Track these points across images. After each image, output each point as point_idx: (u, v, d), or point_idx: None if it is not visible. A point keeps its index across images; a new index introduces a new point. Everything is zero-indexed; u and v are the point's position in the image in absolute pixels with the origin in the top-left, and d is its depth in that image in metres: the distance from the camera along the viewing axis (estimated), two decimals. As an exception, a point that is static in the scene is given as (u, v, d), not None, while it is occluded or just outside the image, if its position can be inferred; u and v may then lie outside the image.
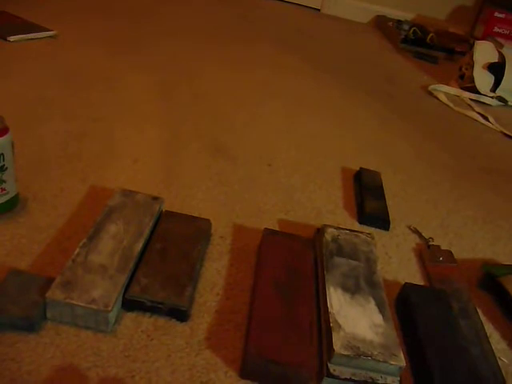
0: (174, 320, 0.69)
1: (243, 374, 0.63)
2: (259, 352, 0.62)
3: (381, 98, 1.71)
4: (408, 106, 1.70)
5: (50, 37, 1.58)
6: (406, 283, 0.80)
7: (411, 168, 1.26)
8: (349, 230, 0.87)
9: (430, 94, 1.84)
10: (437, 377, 0.64)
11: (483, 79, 1.89)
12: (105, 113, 1.21)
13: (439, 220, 1.06)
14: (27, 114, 1.14)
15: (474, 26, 2.75)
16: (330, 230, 0.85)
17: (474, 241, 1.02)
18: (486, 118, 1.70)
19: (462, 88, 1.92)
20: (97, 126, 1.14)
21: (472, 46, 2.02)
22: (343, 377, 0.63)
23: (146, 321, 0.68)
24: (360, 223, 0.99)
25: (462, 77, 1.97)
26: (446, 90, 1.88)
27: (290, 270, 0.77)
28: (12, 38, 1.50)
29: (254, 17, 2.45)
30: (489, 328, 0.80)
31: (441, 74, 2.09)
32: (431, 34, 2.42)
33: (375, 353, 0.63)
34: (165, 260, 0.74)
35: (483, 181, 1.28)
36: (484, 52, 1.94)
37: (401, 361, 0.63)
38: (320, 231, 0.86)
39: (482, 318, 0.81)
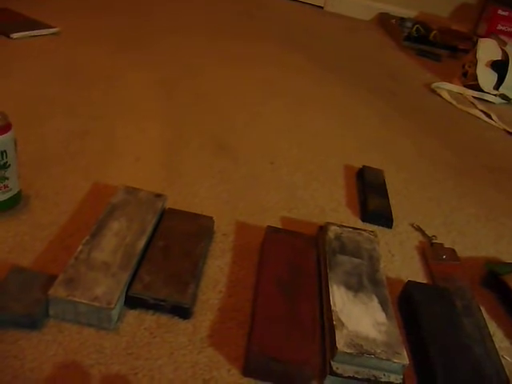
0: (176, 317, 0.69)
1: (246, 372, 0.63)
2: (262, 350, 0.62)
3: (384, 95, 1.70)
4: (411, 103, 1.70)
5: (53, 34, 1.58)
6: (408, 281, 0.80)
7: (414, 166, 1.26)
8: (352, 227, 0.87)
9: (433, 91, 1.83)
10: (440, 375, 0.64)
11: (486, 77, 1.88)
12: (107, 110, 1.21)
13: (442, 218, 1.06)
14: (29, 111, 1.13)
15: (477, 23, 2.73)
16: (332, 227, 0.85)
17: (477, 239, 1.01)
18: (488, 116, 1.70)
19: (465, 86, 1.91)
20: (99, 123, 1.14)
21: (475, 43, 2.01)
22: (346, 375, 0.62)
23: (149, 318, 0.68)
24: (363, 221, 0.99)
25: (465, 74, 1.96)
26: (449, 88, 1.88)
27: (293, 267, 0.77)
28: (15, 35, 1.50)
29: (256, 14, 2.44)
30: (492, 326, 0.79)
31: (444, 72, 2.08)
32: (434, 32, 2.41)
33: (378, 351, 0.63)
34: (167, 257, 0.74)
35: (486, 178, 1.28)
36: (487, 50, 1.93)
37: (404, 359, 0.63)
38: (323, 229, 0.86)
39: (485, 316, 0.81)
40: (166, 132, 1.16)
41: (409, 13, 2.76)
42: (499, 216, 1.11)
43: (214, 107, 1.35)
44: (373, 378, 0.63)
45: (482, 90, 1.87)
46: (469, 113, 1.70)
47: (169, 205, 0.88)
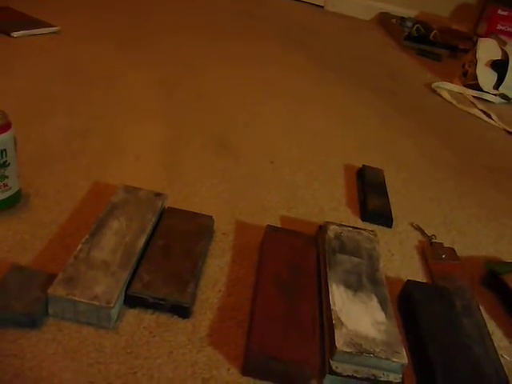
0: (176, 317, 0.69)
1: (245, 371, 0.63)
2: (261, 349, 0.62)
3: (384, 95, 1.70)
4: (411, 103, 1.70)
5: (54, 33, 1.58)
6: (408, 280, 0.80)
7: (414, 165, 1.26)
8: (351, 227, 0.87)
9: (433, 91, 1.83)
10: (439, 374, 0.64)
11: (486, 77, 1.88)
12: (107, 109, 1.21)
13: (442, 217, 1.06)
14: (30, 109, 1.13)
15: (477, 23, 2.74)
16: (332, 227, 0.85)
17: (477, 238, 1.01)
18: (488, 116, 1.70)
19: (465, 85, 1.91)
20: (99, 122, 1.14)
21: (475, 43, 2.01)
22: (345, 374, 0.62)
23: (148, 317, 0.68)
24: (363, 220, 0.99)
25: (465, 74, 1.96)
26: (449, 88, 1.88)
27: (293, 266, 0.77)
28: (15, 34, 1.50)
29: (257, 14, 2.44)
30: (491, 325, 0.79)
31: (444, 72, 2.08)
32: (434, 32, 2.41)
33: (377, 350, 0.63)
34: (167, 256, 0.74)
35: (486, 178, 1.28)
36: (487, 49, 1.93)
37: (403, 358, 0.63)
38: (323, 228, 0.86)
39: (485, 315, 0.81)
40: (167, 131, 1.16)
41: (409, 12, 2.76)
42: (499, 216, 1.11)
43: (214, 107, 1.35)
44: (372, 377, 0.63)
45: (482, 90, 1.87)
46: (469, 112, 1.71)
47: (169, 204, 0.88)
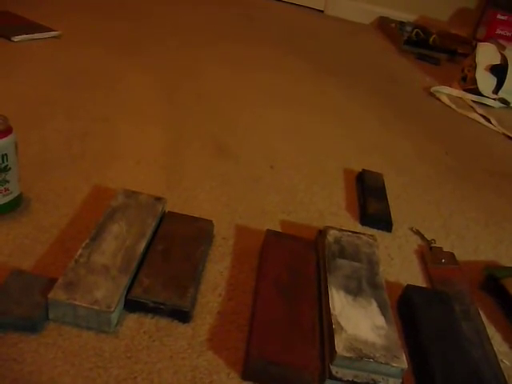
0: (176, 321, 0.69)
1: (245, 376, 0.63)
2: (261, 354, 0.62)
3: (383, 99, 1.71)
4: (410, 107, 1.70)
5: (54, 37, 1.58)
6: (408, 285, 0.80)
7: (413, 169, 1.26)
8: (351, 231, 0.87)
9: (433, 95, 1.84)
10: (438, 379, 0.64)
11: (485, 81, 1.89)
12: (108, 113, 1.21)
13: (441, 222, 1.06)
14: (30, 113, 1.14)
15: (476, 27, 2.74)
16: (332, 231, 0.85)
17: (477, 243, 1.02)
18: (488, 120, 1.70)
19: (464, 90, 1.92)
20: (100, 126, 1.15)
21: (474, 47, 2.02)
22: (345, 379, 0.62)
23: (148, 322, 0.68)
24: (362, 225, 0.99)
25: (464, 78, 1.96)
26: (448, 92, 1.88)
27: (293, 271, 0.77)
28: (16, 38, 1.50)
29: (257, 18, 2.45)
30: (491, 330, 0.79)
31: (443, 76, 2.09)
32: (434, 36, 2.42)
33: (377, 355, 0.63)
34: (167, 261, 0.74)
35: (486, 182, 1.28)
36: (486, 54, 1.93)
37: (403, 363, 0.63)
38: (322, 233, 0.86)
39: (484, 320, 0.81)
40: (167, 134, 1.17)
41: (408, 17, 2.77)
42: (499, 220, 1.12)
43: (214, 110, 1.35)
44: (372, 382, 0.63)
45: (482, 94, 1.87)
46: (468, 117, 1.71)
47: (169, 208, 0.89)
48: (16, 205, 0.82)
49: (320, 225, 0.95)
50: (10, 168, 0.76)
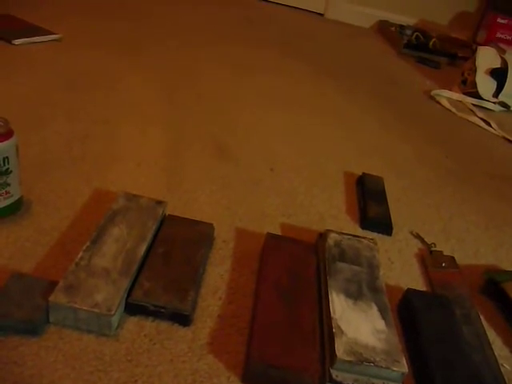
0: (176, 324, 0.69)
1: (246, 379, 0.63)
2: (261, 357, 0.62)
3: (383, 102, 1.71)
4: (410, 110, 1.70)
5: (55, 40, 1.58)
6: (408, 289, 0.80)
7: (414, 173, 1.26)
8: (351, 235, 0.87)
9: (433, 99, 1.84)
10: (439, 383, 0.64)
11: (486, 85, 1.89)
12: (108, 115, 1.21)
13: (442, 225, 1.06)
14: (31, 116, 1.14)
15: (476, 31, 2.75)
16: (332, 234, 0.86)
17: (477, 246, 1.02)
18: (488, 124, 1.70)
19: (464, 93, 1.92)
20: (100, 128, 1.15)
21: (474, 51, 2.02)
22: (345, 383, 0.62)
23: (149, 325, 0.68)
24: (362, 228, 0.99)
25: (464, 82, 1.97)
26: (448, 95, 1.88)
27: (293, 274, 0.77)
28: (17, 42, 1.50)
29: (257, 20, 2.45)
30: (491, 334, 0.79)
31: (443, 79, 2.09)
32: (434, 39, 2.42)
33: (378, 359, 0.63)
34: (168, 264, 0.74)
35: (486, 186, 1.28)
36: (486, 57, 1.94)
37: (403, 367, 0.63)
38: (323, 236, 0.86)
39: (485, 324, 0.81)
40: (167, 136, 1.17)
41: (408, 20, 2.77)
42: (499, 224, 1.12)
43: (214, 112, 1.35)
44: (372, 386, 0.63)
45: (482, 98, 1.88)
46: (468, 120, 1.71)
47: (169, 211, 0.89)
48: (17, 208, 0.82)
49: (320, 228, 0.95)
50: (11, 171, 0.77)
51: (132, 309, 0.68)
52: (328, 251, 0.81)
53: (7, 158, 0.75)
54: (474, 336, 0.76)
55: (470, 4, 2.77)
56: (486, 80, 1.89)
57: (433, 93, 1.86)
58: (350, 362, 0.62)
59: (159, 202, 0.85)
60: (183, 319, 0.69)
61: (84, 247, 0.72)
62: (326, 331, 0.69)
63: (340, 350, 0.63)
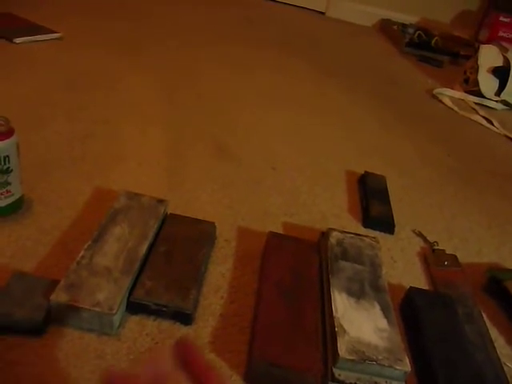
0: (178, 323, 0.69)
1: (248, 378, 0.63)
2: (264, 356, 0.62)
3: (385, 101, 1.71)
4: (412, 109, 1.70)
5: (56, 39, 1.58)
6: (410, 287, 0.80)
7: (416, 171, 1.26)
8: (354, 233, 0.87)
9: (435, 97, 1.83)
10: (442, 381, 0.64)
11: (488, 83, 1.89)
12: (109, 114, 1.21)
13: (444, 224, 1.06)
14: (32, 115, 1.14)
15: (478, 30, 2.74)
16: (334, 233, 0.85)
17: (479, 245, 1.01)
18: (490, 122, 1.70)
19: (466, 92, 1.91)
20: (101, 127, 1.15)
21: (477, 49, 2.02)
22: (348, 381, 0.62)
23: (151, 324, 0.68)
24: (365, 227, 0.99)
25: (466, 81, 1.96)
26: (450, 94, 1.88)
27: (295, 273, 0.77)
28: (18, 40, 1.50)
29: (258, 19, 2.45)
30: (494, 333, 0.79)
31: (445, 78, 2.09)
32: (436, 38, 2.42)
33: (380, 357, 0.63)
34: (169, 263, 0.74)
35: (488, 185, 1.28)
36: (489, 56, 1.93)
37: (406, 365, 0.63)
38: (325, 235, 0.86)
39: (487, 322, 0.81)
40: (168, 136, 1.17)
41: (410, 19, 2.77)
42: (502, 222, 1.11)
43: (215, 111, 1.35)
44: (375, 385, 0.63)
45: (484, 96, 1.87)
46: (471, 119, 1.71)
47: (170, 209, 0.88)
48: (18, 207, 0.82)
49: (322, 227, 0.94)
50: (11, 170, 0.76)
51: (134, 308, 0.68)
52: (330, 250, 0.81)
53: (8, 156, 0.75)
54: (476, 334, 0.76)
55: (473, 2, 2.76)
56: (488, 78, 1.89)
57: (435, 91, 1.86)
58: (352, 360, 0.62)
59: (161, 201, 0.85)
60: (185, 318, 0.68)
61: (85, 246, 0.72)
62: (328, 330, 0.69)
63: (342, 349, 0.63)
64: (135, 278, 0.70)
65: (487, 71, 1.89)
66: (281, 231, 0.92)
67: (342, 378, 0.62)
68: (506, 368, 0.72)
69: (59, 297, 0.63)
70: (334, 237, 0.84)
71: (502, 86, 1.88)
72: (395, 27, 2.62)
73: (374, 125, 1.50)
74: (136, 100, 1.32)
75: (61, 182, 0.93)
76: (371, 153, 1.31)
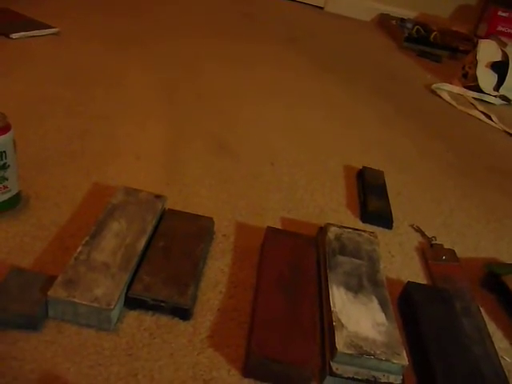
0: (176, 318, 0.69)
1: (246, 373, 0.63)
2: (262, 350, 0.62)
3: (384, 96, 1.70)
4: (411, 104, 1.70)
5: (53, 34, 1.58)
6: (408, 282, 0.80)
7: (414, 166, 1.26)
8: (352, 228, 0.87)
9: (434, 92, 1.83)
10: (439, 375, 0.64)
11: (486, 78, 1.89)
12: (107, 110, 1.21)
13: (442, 219, 1.06)
14: (30, 111, 1.13)
15: (477, 24, 2.74)
16: (333, 228, 0.85)
17: (477, 240, 1.01)
18: (489, 117, 1.70)
19: (465, 87, 1.91)
20: (99, 123, 1.14)
21: (475, 44, 2.02)
22: (346, 375, 0.62)
23: (149, 319, 0.68)
24: (363, 222, 0.99)
25: (465, 75, 1.96)
26: (449, 89, 1.88)
27: (293, 268, 0.77)
28: (15, 36, 1.50)
29: (257, 14, 2.44)
30: (491, 327, 0.79)
31: (444, 73, 2.08)
32: (435, 33, 2.42)
33: (378, 351, 0.63)
34: (167, 258, 0.74)
35: (487, 179, 1.28)
36: (487, 51, 1.93)
37: (403, 359, 0.63)
38: (323, 230, 0.86)
39: (485, 316, 0.81)
40: (167, 132, 1.16)
41: (409, 14, 2.76)
42: (500, 217, 1.11)
43: (214, 107, 1.35)
44: (372, 379, 0.63)
45: (483, 91, 1.87)
46: (469, 114, 1.71)
47: (169, 205, 0.88)
48: (15, 202, 0.82)
49: (320, 222, 0.94)
50: (8, 165, 0.76)
51: (132, 303, 0.68)
52: (328, 245, 0.81)
53: (4, 152, 0.74)
54: (474, 329, 0.76)
55: (471, -3, 2.76)
56: (486, 73, 1.89)
57: (433, 86, 1.86)
58: (350, 355, 0.62)
59: (159, 196, 0.85)
60: (183, 313, 0.68)
61: (83, 242, 0.72)
62: (326, 324, 0.69)
63: (340, 343, 0.63)
64: (133, 274, 0.70)
65: (486, 66, 1.89)
66: (279, 226, 0.92)
67: (339, 372, 0.62)
68: (503, 362, 0.72)
69: (57, 292, 0.63)
70: (332, 232, 0.84)
71: (500, 81, 1.88)
72: (394, 22, 2.62)
73: (373, 120, 1.49)
74: (135, 96, 1.32)
75: (59, 178, 0.93)
76: (370, 148, 1.31)
